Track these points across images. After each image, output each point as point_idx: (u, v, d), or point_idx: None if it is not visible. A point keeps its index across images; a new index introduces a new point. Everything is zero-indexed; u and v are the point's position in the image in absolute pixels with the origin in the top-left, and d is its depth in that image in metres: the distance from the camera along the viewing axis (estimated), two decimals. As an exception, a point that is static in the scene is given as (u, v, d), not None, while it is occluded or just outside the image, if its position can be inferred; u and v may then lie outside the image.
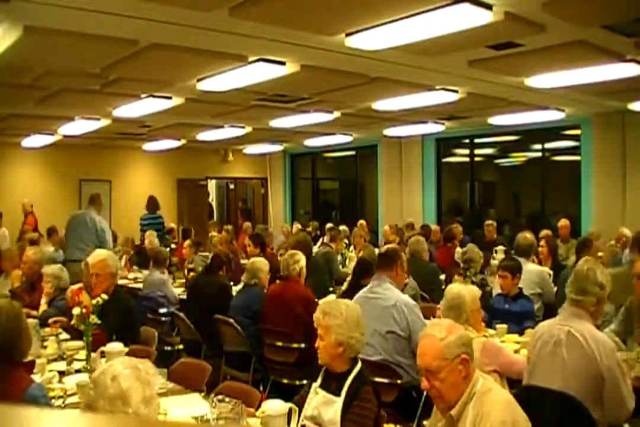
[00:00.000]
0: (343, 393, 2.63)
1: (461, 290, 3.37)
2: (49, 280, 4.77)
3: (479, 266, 5.69)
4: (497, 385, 2.28)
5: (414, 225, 9.55)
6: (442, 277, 6.55)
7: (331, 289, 6.45)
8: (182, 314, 5.37)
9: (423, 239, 6.55)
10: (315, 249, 7.59)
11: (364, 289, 4.12)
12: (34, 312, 4.56)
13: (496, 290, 5.16)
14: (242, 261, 7.45)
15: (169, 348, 5.47)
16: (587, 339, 2.84)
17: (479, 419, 2.11)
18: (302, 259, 4.89)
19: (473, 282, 5.26)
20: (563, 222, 8.10)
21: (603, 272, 3.05)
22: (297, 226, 10.68)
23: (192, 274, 7.19)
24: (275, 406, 2.57)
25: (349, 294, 4.38)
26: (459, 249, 7.55)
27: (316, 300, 4.75)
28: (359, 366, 2.72)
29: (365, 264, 5.03)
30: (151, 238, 8.71)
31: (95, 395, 1.71)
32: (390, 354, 3.77)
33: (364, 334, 2.78)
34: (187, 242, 8.12)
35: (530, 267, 5.13)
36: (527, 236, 5.54)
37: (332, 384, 2.70)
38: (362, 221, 10.10)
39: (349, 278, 6.05)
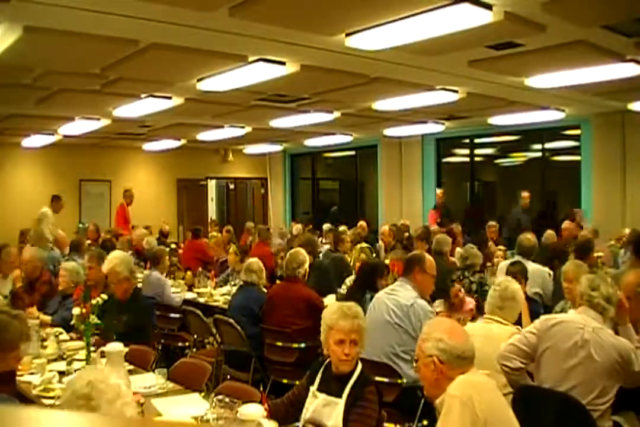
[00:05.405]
0: (345, 394, 2.61)
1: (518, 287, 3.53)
2: (65, 275, 4.78)
3: (479, 266, 5.71)
4: (469, 376, 2.30)
5: (408, 226, 9.47)
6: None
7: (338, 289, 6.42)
8: (198, 312, 5.35)
9: (449, 238, 6.50)
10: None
11: (386, 288, 4.11)
12: (37, 313, 4.55)
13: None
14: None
15: (180, 344, 5.47)
16: None
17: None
18: (306, 261, 4.85)
19: (472, 282, 5.27)
20: (567, 224, 7.90)
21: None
22: (297, 226, 10.66)
23: (189, 273, 7.14)
24: (249, 411, 2.51)
25: (349, 298, 4.33)
26: (458, 249, 7.47)
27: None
28: (360, 366, 2.71)
29: (364, 272, 4.97)
30: (148, 238, 8.66)
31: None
32: (397, 346, 3.75)
33: None
34: (232, 249, 7.17)
35: (531, 267, 5.15)
36: (529, 237, 5.72)
37: (332, 386, 2.68)
38: (362, 222, 10.05)
39: (348, 281, 6.04)
